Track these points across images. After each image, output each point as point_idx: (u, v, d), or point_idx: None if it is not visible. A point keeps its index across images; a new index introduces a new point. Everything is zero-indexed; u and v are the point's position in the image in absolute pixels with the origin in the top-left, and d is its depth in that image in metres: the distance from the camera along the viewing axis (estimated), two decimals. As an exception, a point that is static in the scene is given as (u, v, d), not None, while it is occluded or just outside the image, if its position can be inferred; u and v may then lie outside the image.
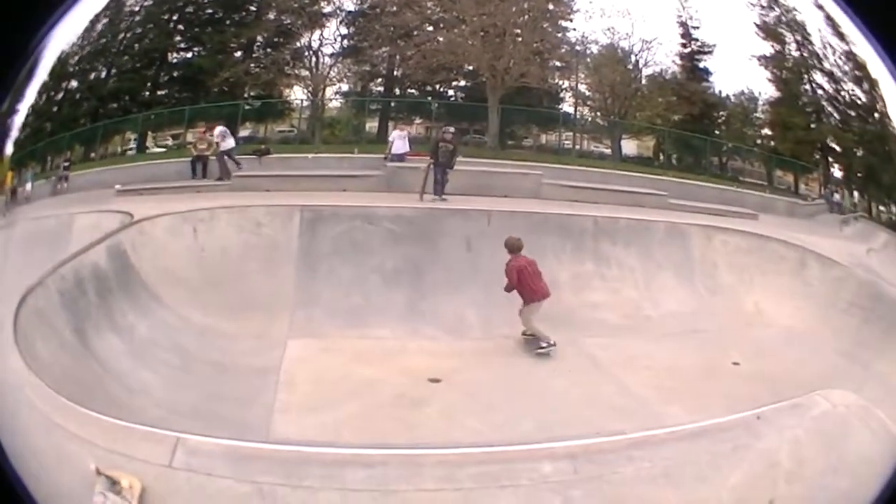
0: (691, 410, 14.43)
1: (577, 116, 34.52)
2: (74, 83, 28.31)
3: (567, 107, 34.64)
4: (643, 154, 34.44)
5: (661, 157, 34.25)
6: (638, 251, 23.33)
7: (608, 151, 34.11)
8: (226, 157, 27.65)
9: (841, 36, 22.58)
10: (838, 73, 26.10)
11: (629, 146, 34.46)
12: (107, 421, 10.39)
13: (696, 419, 11.53)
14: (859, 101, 25.23)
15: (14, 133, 19.93)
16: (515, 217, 22.81)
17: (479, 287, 21.21)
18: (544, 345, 19.40)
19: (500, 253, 20.28)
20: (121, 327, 17.81)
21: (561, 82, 34.18)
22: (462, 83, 34.79)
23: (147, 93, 32.46)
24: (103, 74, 30.31)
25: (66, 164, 26.70)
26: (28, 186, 23.28)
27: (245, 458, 9.77)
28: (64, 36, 22.49)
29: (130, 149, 31.34)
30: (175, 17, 33.05)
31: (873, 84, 20.98)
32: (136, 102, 31.70)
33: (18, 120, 19.99)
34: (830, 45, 25.99)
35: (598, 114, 34.48)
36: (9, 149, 19.73)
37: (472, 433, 14.57)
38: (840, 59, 25.44)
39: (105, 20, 29.11)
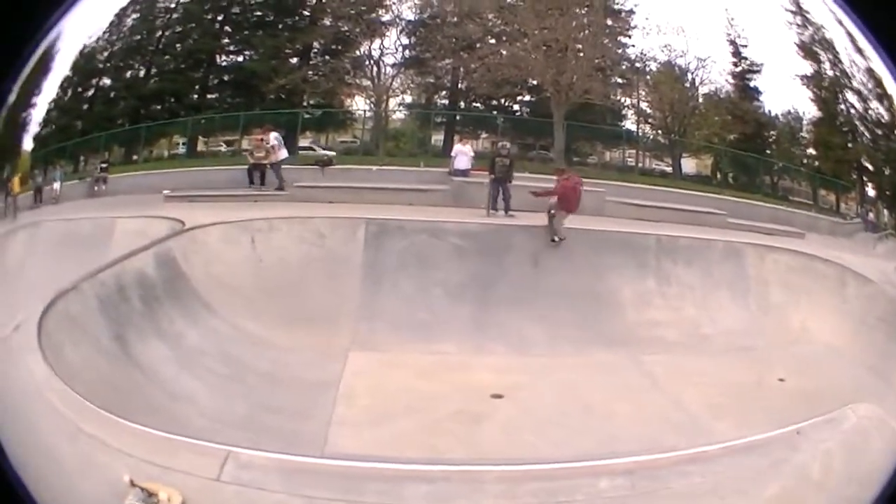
0: (739, 426, 14.26)
1: (639, 134, 34.78)
2: (107, 81, 28.49)
3: (629, 124, 34.93)
4: (702, 172, 34.61)
5: (719, 176, 34.28)
6: (697, 270, 23.39)
7: (668, 169, 34.33)
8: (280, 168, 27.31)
9: (860, 52, 22.51)
10: (864, 91, 26.35)
11: (688, 164, 34.68)
12: (147, 431, 10.36)
13: (743, 435, 11.59)
14: (883, 120, 25.46)
15: (33, 128, 19.88)
16: (580, 234, 23.03)
17: (544, 303, 21.32)
18: (556, 238, 23.41)
19: (564, 270, 21.77)
20: (167, 334, 17.78)
21: (623, 99, 34.44)
22: (527, 98, 34.85)
23: (195, 96, 32.41)
24: (141, 73, 30.32)
25: (104, 165, 26.82)
26: (56, 186, 23.71)
27: (300, 473, 9.79)
28: (82, 28, 22.56)
29: (177, 153, 31.24)
30: (220, 18, 33.08)
31: (891, 101, 21.06)
32: (184, 105, 31.65)
33: (38, 115, 19.93)
34: (855, 63, 26.28)
35: (659, 132, 34.66)
36: (27, 144, 19.69)
37: (532, 449, 14.51)
38: (864, 76, 25.68)
39: (134, 15, 29.33)
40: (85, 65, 26.23)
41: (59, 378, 11.62)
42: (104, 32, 27.04)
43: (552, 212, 23.68)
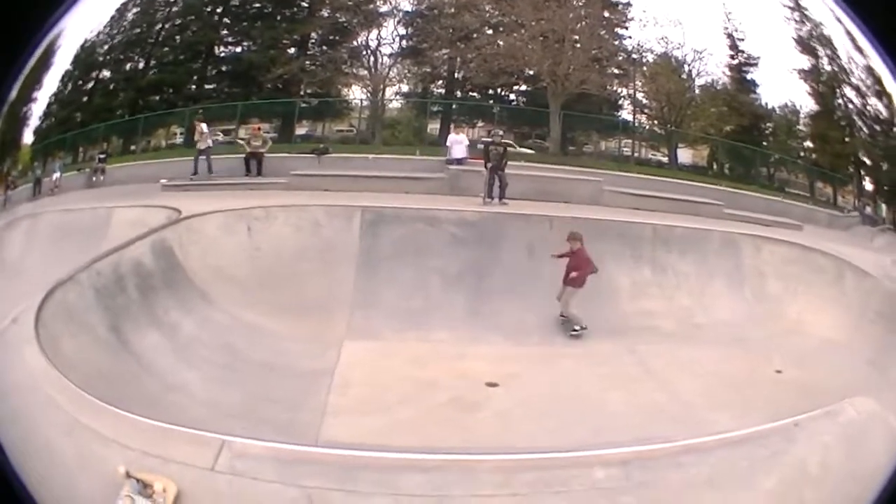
0: (736, 417, 14.16)
1: (636, 124, 34.61)
2: (107, 73, 28.52)
3: (626, 114, 34.75)
4: (698, 163, 34.51)
5: (715, 167, 34.21)
6: (693, 259, 23.24)
7: (665, 159, 34.23)
8: (203, 157, 27.43)
9: (859, 50, 22.35)
10: (863, 88, 26.08)
11: (684, 155, 34.49)
12: (143, 422, 10.29)
13: (740, 426, 11.45)
14: (881, 116, 25.13)
15: (34, 122, 19.87)
16: (577, 223, 22.49)
17: (539, 292, 21.08)
18: (577, 328, 20.47)
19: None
20: (163, 324, 17.79)
21: (619, 90, 34.20)
22: (523, 88, 34.75)
23: (193, 86, 32.38)
24: (140, 65, 30.29)
25: (103, 155, 26.82)
26: (55, 177, 23.69)
27: (295, 462, 9.71)
28: (84, 24, 22.53)
29: (175, 143, 31.12)
30: (220, 10, 32.94)
31: (890, 98, 21.00)
32: (182, 96, 31.62)
33: (38, 109, 19.94)
34: (853, 60, 26.03)
35: (656, 122, 34.55)
36: (27, 137, 19.66)
37: (527, 438, 14.41)
38: (862, 73, 25.43)
39: (135, 9, 29.41)
40: (86, 59, 26.29)
41: (56, 369, 11.56)
42: (105, 27, 27.17)
43: (566, 288, 20.99)
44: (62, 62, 22.13)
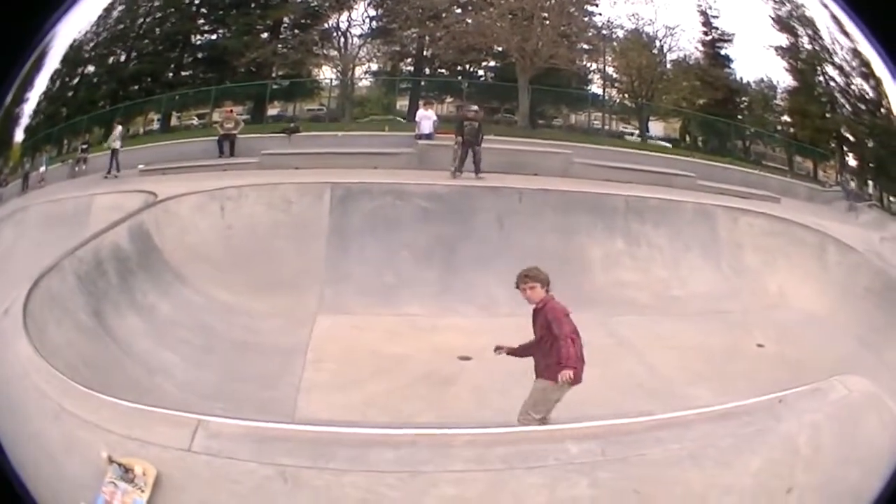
0: (717, 392, 14.36)
1: (606, 98, 34.38)
2: (91, 68, 28.57)
3: (596, 88, 34.70)
4: (670, 136, 34.22)
5: (688, 139, 34.09)
6: (667, 231, 23.23)
7: (636, 132, 34.01)
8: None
9: (846, 34, 22.50)
10: (847, 68, 26.03)
11: (656, 128, 34.32)
12: (123, 405, 10.12)
13: (721, 401, 11.25)
14: (867, 96, 25.11)
15: (24, 120, 19.94)
16: (547, 195, 22.98)
17: (510, 265, 20.31)
18: None
19: (532, 231, 21.23)
20: (142, 307, 17.88)
21: (589, 64, 34.21)
22: (492, 63, 34.73)
23: (171, 74, 32.51)
24: (122, 58, 30.59)
25: (85, 146, 26.92)
26: (42, 170, 23.74)
27: (269, 440, 9.50)
28: (74, 25, 22.66)
29: (152, 129, 31.22)
30: (197, 1, 33.20)
31: (878, 81, 20.97)
32: (160, 83, 31.74)
33: (29, 108, 20.04)
34: (838, 42, 25.95)
35: (626, 96, 34.38)
36: (19, 136, 19.75)
37: (501, 413, 14.33)
38: (847, 55, 25.37)
39: (121, 7, 29.42)
40: (74, 57, 26.39)
41: (42, 357, 11.45)
42: (93, 26, 27.29)
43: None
44: (53, 63, 22.23)
